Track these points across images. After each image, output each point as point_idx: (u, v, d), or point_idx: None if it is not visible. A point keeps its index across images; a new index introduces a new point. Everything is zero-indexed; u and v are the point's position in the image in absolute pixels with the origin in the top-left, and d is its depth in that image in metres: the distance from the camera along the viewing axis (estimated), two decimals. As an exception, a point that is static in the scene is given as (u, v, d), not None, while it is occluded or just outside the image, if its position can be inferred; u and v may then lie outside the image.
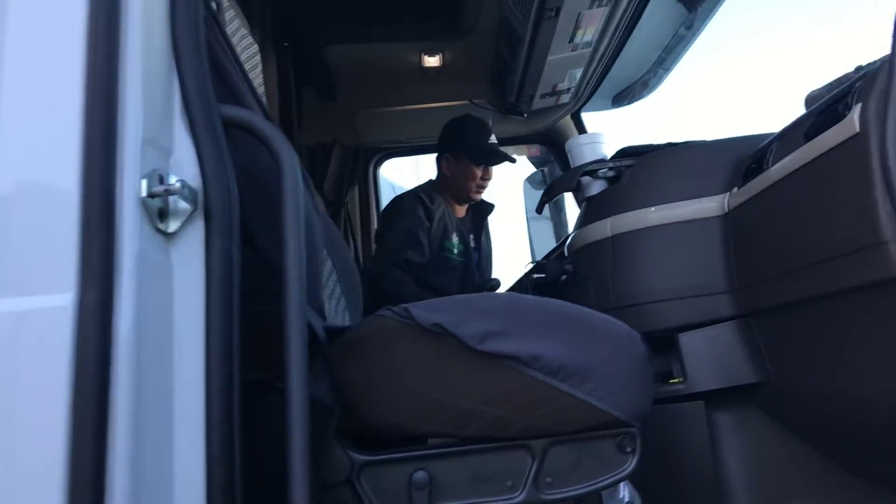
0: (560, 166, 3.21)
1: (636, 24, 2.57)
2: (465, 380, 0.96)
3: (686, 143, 1.77)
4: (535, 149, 3.37)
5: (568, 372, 0.96)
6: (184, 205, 0.81)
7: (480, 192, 2.78)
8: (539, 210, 2.04)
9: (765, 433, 1.55)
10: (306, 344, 0.85)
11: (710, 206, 1.60)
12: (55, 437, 0.66)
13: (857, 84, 1.14)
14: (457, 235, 2.71)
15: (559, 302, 1.04)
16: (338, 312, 1.35)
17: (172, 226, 0.81)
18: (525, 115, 3.05)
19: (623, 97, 3.20)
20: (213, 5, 1.14)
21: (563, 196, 3.45)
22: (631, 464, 0.99)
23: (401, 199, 2.73)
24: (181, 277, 0.81)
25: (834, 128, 1.15)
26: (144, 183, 0.77)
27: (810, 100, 1.46)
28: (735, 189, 1.54)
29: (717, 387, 1.53)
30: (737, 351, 1.53)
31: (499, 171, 2.78)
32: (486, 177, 2.73)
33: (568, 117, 3.19)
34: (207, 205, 0.83)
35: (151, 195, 0.77)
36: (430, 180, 2.84)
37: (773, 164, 1.38)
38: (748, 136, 1.67)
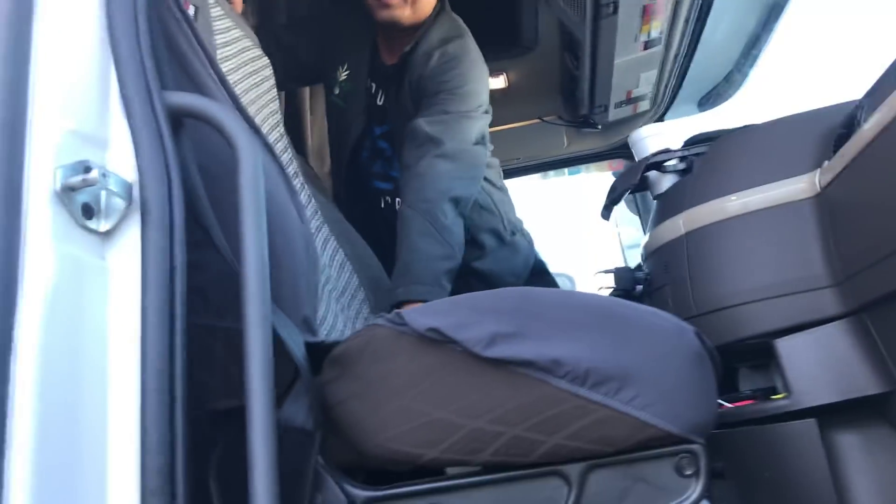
0: (646, 179, 2.96)
1: (708, 13, 2.35)
2: (474, 394, 0.79)
3: (761, 123, 1.53)
4: (618, 163, 3.14)
5: (599, 377, 0.76)
6: (116, 200, 0.71)
7: (386, 7, 1.76)
8: (605, 215, 1.84)
9: (899, 454, 1.26)
10: (270, 361, 0.71)
11: (798, 186, 1.35)
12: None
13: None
14: (350, 67, 1.89)
15: (586, 294, 0.85)
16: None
17: (104, 224, 0.71)
18: (600, 128, 2.85)
19: (709, 99, 2.94)
20: (192, 8, 1.06)
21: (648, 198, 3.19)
22: (695, 490, 0.77)
23: None
24: (120, 281, 0.70)
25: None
26: (59, 174, 0.67)
27: (908, 45, 1.21)
28: (825, 163, 1.29)
29: (830, 401, 1.26)
30: (851, 356, 1.25)
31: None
32: None
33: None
34: (144, 199, 0.72)
35: (70, 188, 0.67)
36: None
37: (865, 123, 1.13)
38: (833, 105, 1.41)
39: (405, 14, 1.79)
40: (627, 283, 1.58)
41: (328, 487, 0.81)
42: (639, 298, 1.62)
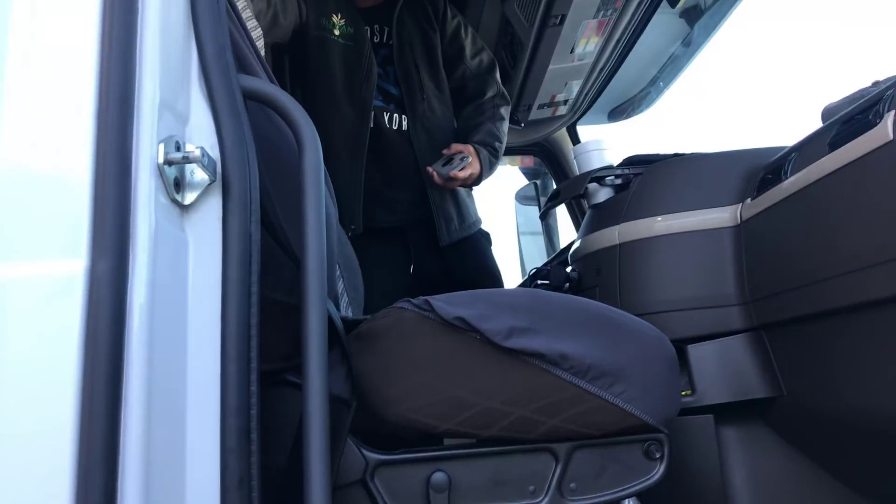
0: (554, 178, 3.18)
1: (638, 37, 2.57)
2: (489, 378, 0.91)
3: (695, 154, 1.75)
4: (529, 160, 3.34)
5: (597, 373, 0.91)
6: (201, 175, 0.76)
7: None
8: (543, 216, 2.00)
9: (772, 450, 1.52)
10: (326, 335, 0.79)
11: (721, 216, 1.57)
12: (63, 413, 0.60)
13: (889, 93, 1.11)
14: (344, 17, 2.16)
15: (586, 300, 1.00)
16: (342, 309, 1.29)
17: (188, 197, 0.76)
18: (522, 125, 3.02)
19: (620, 112, 3.19)
20: None
21: (553, 210, 3.43)
22: (658, 471, 0.94)
23: None
24: (197, 253, 0.76)
25: (863, 136, 1.13)
26: (161, 148, 0.71)
27: (827, 113, 1.44)
28: (748, 200, 1.51)
29: (726, 400, 1.49)
30: (747, 364, 1.49)
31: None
32: None
33: (563, 129, 3.16)
34: (225, 177, 0.77)
35: (168, 162, 0.72)
36: None
37: (791, 175, 1.35)
38: (758, 148, 1.65)
39: None
40: (560, 281, 1.76)
41: (349, 449, 0.90)
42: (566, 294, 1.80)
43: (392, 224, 2.21)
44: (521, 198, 3.49)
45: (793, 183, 1.33)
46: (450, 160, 2.09)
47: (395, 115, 2.19)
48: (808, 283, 1.29)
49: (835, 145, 1.20)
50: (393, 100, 2.21)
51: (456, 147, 2.13)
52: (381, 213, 2.16)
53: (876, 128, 1.09)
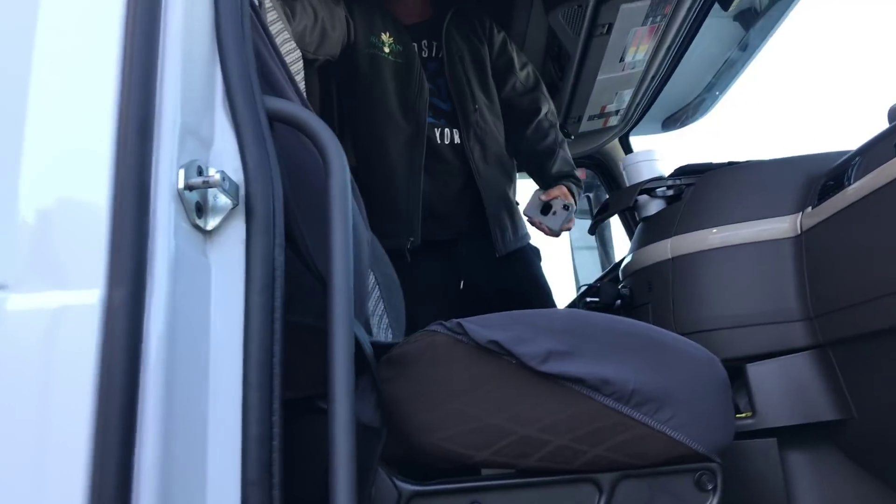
0: (607, 190, 3.10)
1: (690, 43, 2.48)
2: (526, 404, 0.86)
3: (750, 162, 1.66)
4: (581, 172, 3.26)
5: (641, 398, 0.86)
6: (224, 200, 0.74)
7: None
8: (592, 231, 1.95)
9: (843, 475, 1.41)
10: (353, 360, 0.76)
11: (779, 226, 1.48)
12: (77, 445, 0.59)
13: (961, 88, 1.03)
14: (392, 34, 2.17)
15: (629, 321, 0.94)
16: (381, 330, 1.27)
17: (211, 222, 0.74)
18: (572, 137, 2.96)
19: (674, 121, 3.10)
20: (256, 1, 1.08)
21: (608, 222, 3.34)
22: (711, 503, 0.88)
23: None
24: (220, 279, 0.74)
25: (933, 137, 1.04)
26: (181, 173, 0.70)
27: (893, 113, 1.35)
28: (809, 209, 1.43)
29: (790, 423, 1.40)
30: (812, 384, 1.40)
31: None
32: None
33: (616, 140, 3.09)
34: (249, 201, 0.76)
35: (189, 187, 0.70)
36: None
37: (855, 181, 1.26)
38: (817, 153, 1.55)
39: None
40: (610, 298, 1.69)
41: (381, 480, 0.87)
42: (617, 312, 1.73)
43: (445, 237, 2.19)
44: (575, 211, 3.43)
45: (857, 189, 1.24)
46: (547, 206, 2.13)
47: (447, 130, 2.20)
48: (876, 296, 1.20)
49: (901, 148, 1.12)
50: (443, 115, 2.21)
51: (552, 193, 2.15)
52: (435, 226, 2.15)
53: (947, 128, 1.01)
